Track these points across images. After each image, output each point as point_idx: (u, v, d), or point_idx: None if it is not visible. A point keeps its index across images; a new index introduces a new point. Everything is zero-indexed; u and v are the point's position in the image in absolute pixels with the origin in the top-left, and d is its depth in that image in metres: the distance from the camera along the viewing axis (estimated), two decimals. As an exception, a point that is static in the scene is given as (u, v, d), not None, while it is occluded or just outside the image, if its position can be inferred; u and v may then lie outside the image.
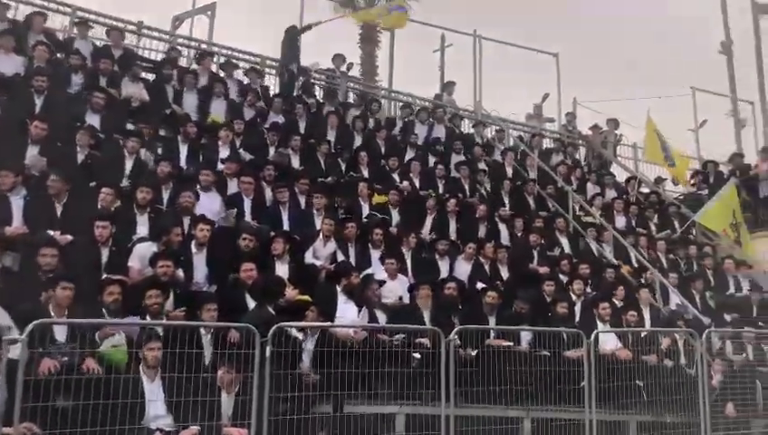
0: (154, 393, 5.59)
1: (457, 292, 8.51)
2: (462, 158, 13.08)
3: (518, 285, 9.85)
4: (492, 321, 8.55)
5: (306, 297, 7.72)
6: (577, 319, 9.60)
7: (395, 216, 10.33)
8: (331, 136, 11.99)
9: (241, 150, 10.29)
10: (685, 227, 13.87)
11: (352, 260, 8.80)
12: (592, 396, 6.95)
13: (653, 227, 13.72)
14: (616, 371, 7.92)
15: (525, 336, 8.58)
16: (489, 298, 8.57)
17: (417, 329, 7.23)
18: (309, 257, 8.40)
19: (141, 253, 7.05)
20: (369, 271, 8.54)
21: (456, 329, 6.47)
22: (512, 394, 7.67)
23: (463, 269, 9.73)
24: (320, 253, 8.51)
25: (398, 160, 11.75)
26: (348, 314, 7.48)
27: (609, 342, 8.91)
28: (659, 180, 16.07)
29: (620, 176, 16.36)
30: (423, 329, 7.16)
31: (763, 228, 13.48)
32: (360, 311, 7.54)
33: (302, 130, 11.75)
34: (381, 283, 8.22)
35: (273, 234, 8.34)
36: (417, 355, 6.83)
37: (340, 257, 8.62)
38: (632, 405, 7.99)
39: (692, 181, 15.36)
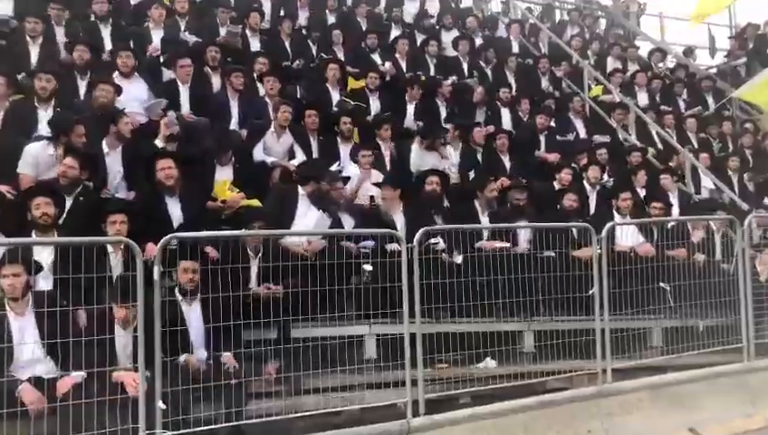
0: (24, 333, 4.31)
1: (441, 187, 7.01)
2: (457, 33, 11.33)
3: (522, 175, 8.39)
4: (485, 220, 7.11)
5: (254, 202, 6.35)
6: (592, 212, 8.21)
7: (374, 103, 8.75)
8: (303, 18, 10.32)
9: (186, 33, 8.64)
10: (721, 102, 12.09)
11: (315, 155, 7.34)
12: (605, 301, 5.55)
13: (682, 104, 11.97)
14: (636, 272, 6.51)
15: (524, 234, 7.20)
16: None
17: (371, 232, 5.83)
18: (258, 154, 6.91)
19: (33, 156, 5.62)
20: (334, 167, 7.06)
21: (421, 230, 5.01)
22: (511, 305, 6.37)
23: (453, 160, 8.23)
24: (273, 148, 7.01)
25: (377, 39, 10.00)
26: (308, 222, 6.06)
27: (628, 237, 7.48)
28: (689, 51, 14.07)
29: (645, 51, 14.47)
30: (381, 232, 5.68)
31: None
32: (320, 216, 6.08)
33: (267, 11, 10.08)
34: (345, 180, 6.77)
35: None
36: (369, 267, 5.40)
37: (299, 153, 7.12)
38: (657, 311, 6.67)
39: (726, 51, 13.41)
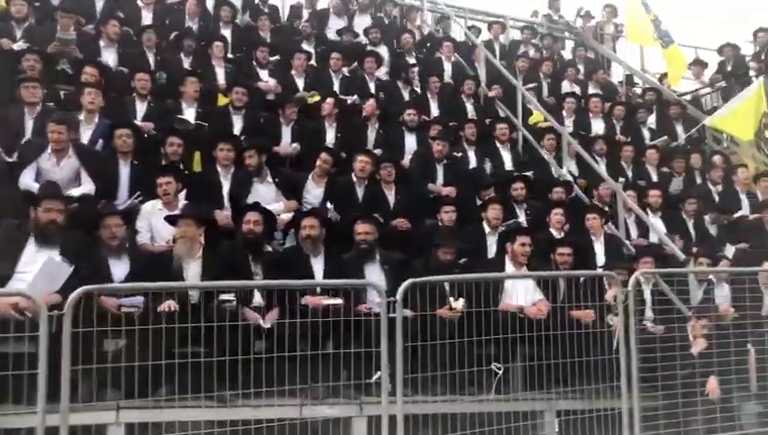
0: None
1: (261, 226, 5.49)
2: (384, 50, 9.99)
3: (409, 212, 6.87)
4: (317, 268, 5.55)
5: None
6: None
7: (237, 124, 7.32)
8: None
9: (21, 42, 7.32)
10: (691, 132, 10.41)
11: (123, 184, 5.89)
12: (397, 380, 3.96)
13: (646, 134, 10.33)
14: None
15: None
16: (305, 230, 5.57)
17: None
18: (26, 181, 5.45)
19: None
20: (125, 201, 5.63)
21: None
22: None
23: (315, 193, 6.72)
24: (50, 174, 5.55)
25: (268, 52, 8.64)
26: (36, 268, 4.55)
27: (521, 292, 5.91)
28: (665, 77, 12.40)
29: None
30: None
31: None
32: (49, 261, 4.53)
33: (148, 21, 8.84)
34: (111, 212, 5.26)
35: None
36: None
37: (86, 181, 5.65)
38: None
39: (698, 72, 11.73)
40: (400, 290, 4.03)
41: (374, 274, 5.71)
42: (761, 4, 16.36)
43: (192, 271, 5.08)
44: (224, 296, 4.75)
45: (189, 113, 7.13)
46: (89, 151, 5.83)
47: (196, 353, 4.47)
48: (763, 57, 10.86)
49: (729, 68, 11.18)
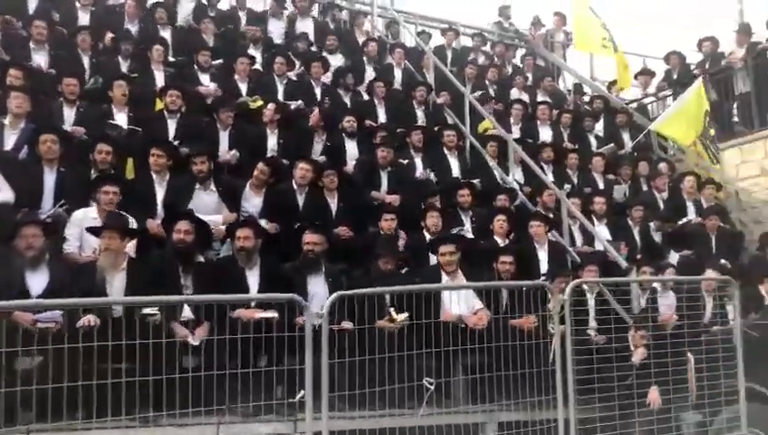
0: None
1: (192, 235, 5.28)
2: (339, 58, 9.84)
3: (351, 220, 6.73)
4: (252, 281, 5.35)
5: None
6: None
7: (172, 128, 7.08)
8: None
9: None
10: (638, 138, 10.47)
11: (48, 191, 5.62)
12: (323, 396, 3.80)
13: (593, 141, 10.37)
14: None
15: (318, 298, 5.39)
16: (239, 241, 5.39)
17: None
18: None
19: None
20: (50, 210, 5.38)
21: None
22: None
23: (254, 202, 6.52)
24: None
25: (210, 56, 8.41)
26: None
27: (456, 301, 5.78)
28: (613, 84, 12.51)
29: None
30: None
31: (736, 136, 9.99)
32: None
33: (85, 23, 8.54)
34: (29, 221, 4.98)
35: None
36: None
37: (4, 187, 5.38)
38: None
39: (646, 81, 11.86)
40: (326, 304, 3.88)
41: (318, 285, 5.58)
42: (725, 8, 16.66)
43: (116, 284, 4.85)
44: (146, 310, 4.53)
45: (121, 118, 6.87)
46: (7, 157, 5.55)
47: (118, 371, 4.28)
48: (707, 66, 10.99)
49: (675, 76, 11.29)
